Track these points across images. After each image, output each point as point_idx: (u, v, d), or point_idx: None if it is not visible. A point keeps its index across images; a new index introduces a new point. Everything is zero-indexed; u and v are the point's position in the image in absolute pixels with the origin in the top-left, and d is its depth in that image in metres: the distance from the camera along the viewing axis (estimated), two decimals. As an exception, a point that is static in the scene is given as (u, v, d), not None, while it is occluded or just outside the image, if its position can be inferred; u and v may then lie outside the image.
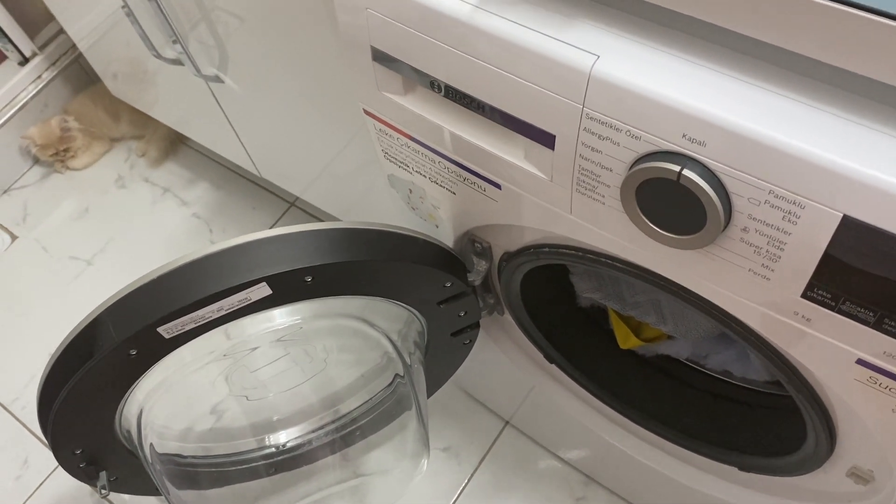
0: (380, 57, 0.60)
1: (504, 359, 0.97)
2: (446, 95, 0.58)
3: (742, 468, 0.79)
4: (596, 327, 0.91)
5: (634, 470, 0.97)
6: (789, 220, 0.46)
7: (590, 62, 0.48)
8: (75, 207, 1.56)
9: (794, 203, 0.45)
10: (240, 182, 1.54)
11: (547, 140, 0.54)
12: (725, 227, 0.49)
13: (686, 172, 0.47)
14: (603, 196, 0.54)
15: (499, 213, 0.67)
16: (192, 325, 0.65)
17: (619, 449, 0.95)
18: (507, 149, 0.59)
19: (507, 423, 1.20)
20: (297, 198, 1.49)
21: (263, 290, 0.66)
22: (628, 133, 0.49)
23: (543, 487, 1.15)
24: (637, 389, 0.89)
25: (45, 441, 1.29)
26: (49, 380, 0.68)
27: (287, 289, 0.67)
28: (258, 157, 1.28)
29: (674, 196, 0.49)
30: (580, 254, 0.65)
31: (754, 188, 0.46)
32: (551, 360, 0.89)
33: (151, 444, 0.74)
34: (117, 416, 0.73)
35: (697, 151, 0.47)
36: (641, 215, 0.52)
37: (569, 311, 0.90)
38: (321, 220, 1.47)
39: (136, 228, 1.51)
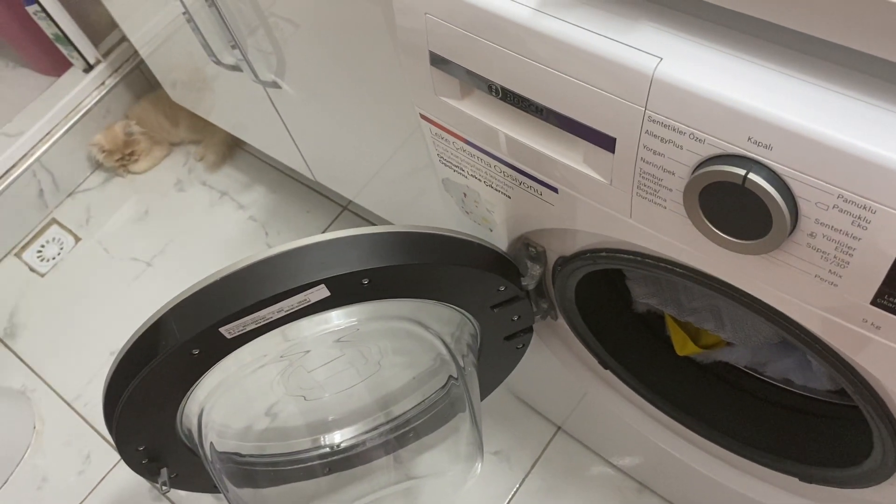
0: (438, 61, 0.61)
1: (557, 363, 0.97)
2: (504, 99, 0.58)
3: (803, 479, 0.77)
4: (652, 333, 0.90)
5: (690, 478, 0.96)
6: (859, 225, 0.45)
7: (653, 65, 0.48)
8: (136, 210, 1.61)
9: (865, 207, 0.44)
10: (294, 186, 1.56)
11: (607, 143, 0.54)
12: (792, 231, 0.48)
13: (752, 176, 0.46)
14: (664, 200, 0.54)
15: (555, 217, 0.67)
16: (253, 326, 0.66)
17: (674, 456, 0.94)
18: (565, 152, 0.59)
19: (558, 428, 1.20)
20: (350, 201, 1.51)
21: (322, 292, 0.67)
22: (692, 136, 0.48)
23: (595, 494, 1.14)
24: (694, 397, 0.87)
25: (108, 437, 1.33)
26: (115, 378, 0.70)
27: (345, 291, 0.68)
28: (313, 162, 1.30)
29: (738, 200, 0.48)
30: (638, 258, 0.65)
31: (822, 192, 0.45)
32: (606, 367, 0.88)
33: (212, 443, 0.75)
34: (179, 415, 0.75)
35: (763, 155, 0.46)
36: (705, 219, 0.52)
37: (624, 317, 0.89)
38: (374, 224, 1.48)
39: (193, 231, 1.55)
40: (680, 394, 0.88)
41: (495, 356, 0.89)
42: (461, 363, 0.82)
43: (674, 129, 0.49)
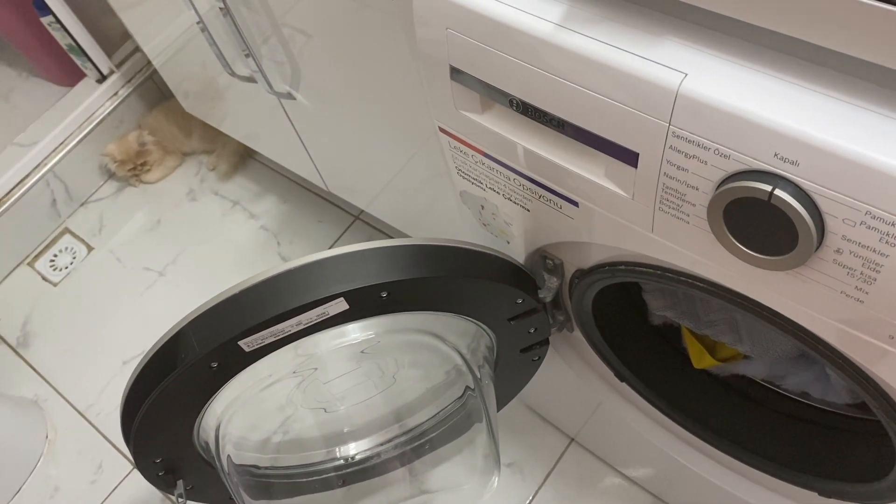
0: (458, 75, 0.61)
1: (572, 375, 0.96)
2: (524, 113, 0.58)
3: (822, 494, 0.77)
4: (668, 346, 0.89)
5: (705, 491, 0.95)
6: (887, 242, 0.45)
7: (677, 80, 0.48)
8: (148, 220, 1.61)
9: (893, 224, 0.44)
10: (306, 195, 1.56)
11: (630, 158, 0.54)
12: (818, 248, 0.48)
13: (778, 192, 0.46)
14: (687, 215, 0.53)
15: (575, 230, 0.66)
16: (272, 339, 0.66)
17: (689, 469, 0.93)
18: (586, 166, 0.58)
19: (572, 440, 1.19)
20: (362, 211, 1.51)
21: (341, 305, 0.67)
22: (717, 152, 0.48)
23: (610, 506, 1.13)
24: (711, 409, 0.87)
25: (120, 447, 1.33)
26: (133, 391, 0.70)
27: (363, 304, 0.68)
28: (326, 172, 1.30)
29: (764, 216, 0.48)
30: (658, 272, 0.64)
31: (850, 209, 0.45)
32: (622, 379, 0.88)
33: (229, 456, 0.75)
34: (196, 427, 0.75)
35: (790, 171, 0.46)
36: (729, 235, 0.51)
37: (641, 329, 0.88)
38: (387, 234, 1.48)
39: (206, 240, 1.55)
40: (696, 406, 0.87)
41: (511, 368, 0.89)
42: (478, 374, 0.82)
43: (698, 145, 0.49)
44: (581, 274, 0.75)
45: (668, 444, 0.94)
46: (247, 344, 0.66)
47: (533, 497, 1.16)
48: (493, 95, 0.60)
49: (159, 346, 0.68)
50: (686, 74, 0.48)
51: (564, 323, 0.87)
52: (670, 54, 0.49)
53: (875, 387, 0.57)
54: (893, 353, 0.51)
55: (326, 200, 1.54)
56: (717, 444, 0.86)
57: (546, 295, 0.80)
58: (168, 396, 0.69)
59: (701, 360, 0.85)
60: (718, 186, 0.50)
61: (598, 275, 0.72)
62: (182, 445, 0.77)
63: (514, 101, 0.58)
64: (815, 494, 0.78)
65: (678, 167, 0.51)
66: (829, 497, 0.76)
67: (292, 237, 1.52)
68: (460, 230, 0.93)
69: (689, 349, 0.86)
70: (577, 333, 0.87)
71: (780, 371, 0.84)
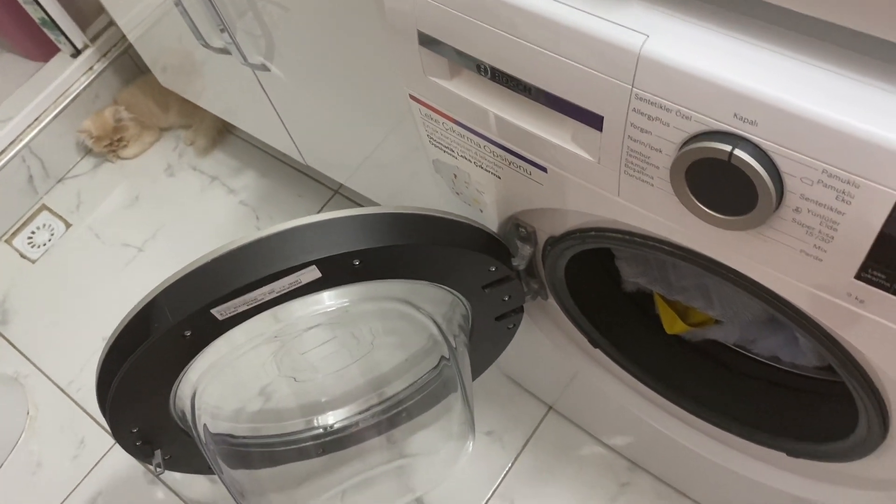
0: (426, 41, 0.61)
1: (548, 343, 0.98)
2: (493, 78, 0.59)
3: (790, 454, 0.78)
4: (641, 312, 0.90)
5: (680, 455, 0.97)
6: (843, 200, 0.45)
7: (639, 42, 0.48)
8: (126, 196, 1.60)
9: (849, 182, 0.44)
10: (285, 170, 1.56)
11: (595, 122, 0.54)
12: (777, 207, 0.49)
13: (737, 152, 0.47)
14: (652, 178, 0.54)
15: (544, 196, 0.67)
16: (245, 308, 0.66)
17: (664, 434, 0.95)
18: (553, 131, 0.59)
19: (550, 408, 1.21)
20: (342, 185, 1.51)
21: (313, 274, 0.67)
22: (678, 113, 0.49)
23: (587, 472, 1.15)
24: (683, 374, 0.88)
25: (102, 422, 1.33)
26: (107, 360, 0.71)
27: (336, 272, 0.68)
28: (303, 145, 1.30)
29: (725, 177, 0.49)
30: (626, 237, 0.65)
31: (807, 168, 0.45)
32: (596, 345, 0.89)
33: (205, 425, 0.76)
34: (172, 397, 0.75)
35: (749, 131, 0.46)
36: (691, 196, 0.52)
37: (614, 296, 0.89)
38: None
39: (184, 216, 1.55)
40: (669, 372, 0.89)
41: (486, 336, 0.90)
42: (453, 343, 0.82)
43: (660, 107, 0.49)
44: (553, 241, 0.76)
45: (643, 410, 0.96)
46: (219, 312, 0.66)
47: (512, 464, 1.18)
48: (461, 61, 0.60)
49: (132, 315, 0.68)
50: (647, 36, 0.48)
51: (539, 291, 0.88)
52: (633, 16, 0.49)
53: (837, 345, 0.58)
54: (852, 312, 0.52)
55: (306, 175, 1.54)
56: (690, 408, 0.87)
57: (519, 263, 0.80)
58: (142, 365, 0.69)
59: (673, 325, 0.86)
60: (681, 148, 0.50)
61: (569, 241, 0.73)
62: (158, 415, 0.77)
63: (482, 66, 0.58)
64: (784, 455, 0.79)
65: (641, 129, 0.52)
66: (798, 457, 0.78)
67: (272, 212, 1.51)
68: (438, 203, 0.94)
69: (661, 315, 0.87)
70: (552, 301, 0.88)
71: (750, 335, 0.86)
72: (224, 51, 1.12)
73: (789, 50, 0.46)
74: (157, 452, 0.82)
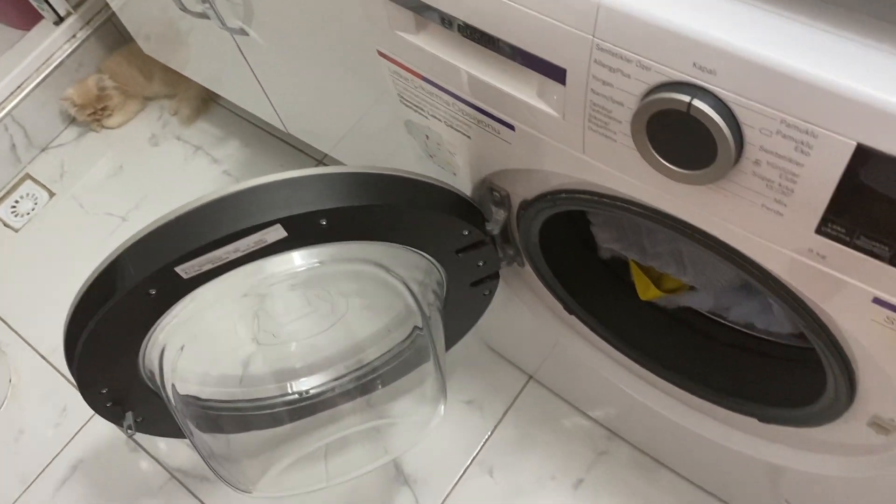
0: (392, -5, 0.60)
1: (525, 311, 0.97)
2: (459, 32, 0.58)
3: (761, 419, 0.79)
4: (617, 279, 0.90)
5: (656, 424, 0.97)
6: (801, 151, 0.45)
7: (599, -10, 0.47)
8: (110, 165, 1.59)
9: (807, 132, 0.44)
10: (269, 140, 1.55)
11: (558, 75, 0.53)
12: (737, 160, 0.48)
13: (696, 103, 0.46)
14: (615, 133, 0.53)
15: (513, 156, 0.66)
16: (210, 266, 0.66)
17: (640, 402, 0.95)
18: (519, 87, 0.58)
19: (530, 377, 1.21)
20: (326, 155, 1.50)
21: (279, 233, 0.66)
22: (638, 64, 0.48)
23: (566, 441, 1.15)
24: (658, 342, 0.88)
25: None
26: (73, 319, 0.70)
27: (302, 231, 0.67)
28: (285, 114, 1.28)
29: (685, 129, 0.48)
30: (595, 198, 0.65)
31: (766, 118, 0.45)
32: (571, 312, 0.89)
33: (173, 385, 0.76)
34: (141, 357, 0.75)
35: (708, 81, 0.46)
36: (652, 151, 0.51)
37: (589, 264, 0.89)
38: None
39: (168, 185, 1.54)
40: (644, 339, 0.88)
41: (462, 303, 0.90)
42: (426, 311, 0.82)
43: (621, 58, 0.49)
44: (526, 205, 0.75)
45: (619, 378, 0.95)
46: (184, 270, 0.65)
47: (491, 432, 1.18)
48: (425, 13, 0.59)
49: (97, 273, 0.67)
50: (608, -16, 0.47)
51: (514, 257, 0.87)
52: (594, -36, 0.48)
53: (803, 306, 0.58)
54: (814, 268, 0.52)
55: (290, 145, 1.53)
56: (663, 375, 0.87)
57: (494, 227, 0.80)
58: (108, 324, 0.69)
59: (646, 291, 0.85)
60: (641, 100, 0.50)
61: (541, 204, 0.72)
62: (128, 375, 0.77)
63: (446, 19, 0.57)
64: (756, 420, 0.79)
65: (603, 82, 0.51)
66: (768, 423, 0.78)
67: (256, 182, 1.50)
68: (418, 170, 0.93)
69: (635, 281, 0.87)
70: (528, 268, 0.88)
71: (725, 303, 0.85)
72: (203, 15, 1.10)
73: (750, -2, 0.45)
74: (129, 414, 0.82)
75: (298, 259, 0.74)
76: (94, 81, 1.58)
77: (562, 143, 0.59)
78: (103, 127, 1.63)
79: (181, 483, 1.23)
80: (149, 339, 0.73)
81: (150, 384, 0.79)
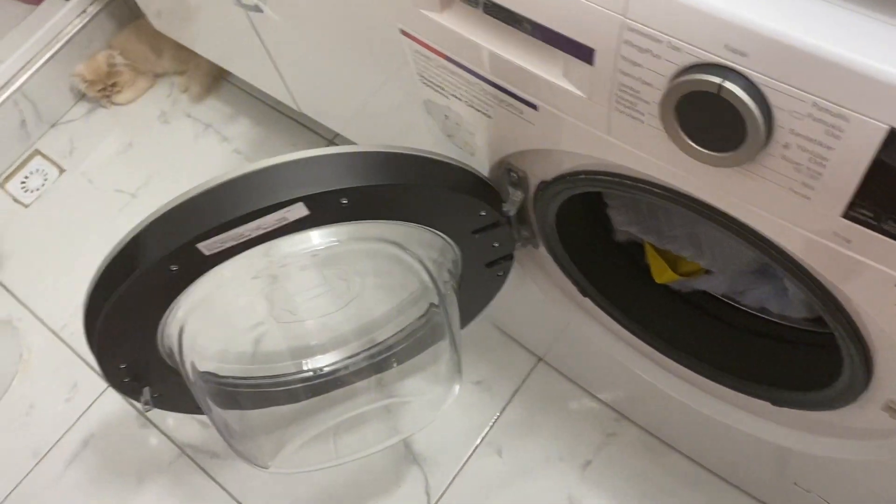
0: (417, -28, 0.60)
1: (538, 293, 0.98)
2: (484, 10, 0.57)
3: (774, 402, 0.79)
4: (631, 262, 0.90)
5: (667, 406, 0.98)
6: (832, 135, 0.45)
7: (631, -30, 0.47)
8: (120, 142, 1.59)
9: (839, 116, 0.44)
10: (280, 119, 1.54)
11: (586, 55, 0.53)
12: (766, 143, 0.48)
13: (727, 85, 0.46)
14: (642, 114, 0.53)
15: (535, 136, 0.66)
16: (232, 243, 0.66)
17: (651, 384, 0.95)
18: (545, 66, 0.58)
19: (539, 359, 1.21)
20: (337, 135, 1.50)
21: (300, 211, 0.66)
22: (669, 44, 0.48)
23: (575, 422, 1.16)
24: (672, 324, 0.88)
25: (94, 366, 1.34)
26: (94, 294, 0.71)
27: (323, 210, 0.67)
28: (298, 92, 1.28)
29: (714, 111, 0.48)
30: (616, 179, 0.65)
31: (797, 101, 0.45)
32: (585, 294, 0.89)
33: (192, 363, 0.76)
34: (159, 333, 0.75)
35: (739, 62, 0.46)
36: (680, 132, 0.51)
37: (605, 246, 0.89)
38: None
39: (178, 163, 1.54)
40: (658, 322, 0.89)
41: (476, 283, 0.90)
42: (442, 289, 0.82)
43: (651, 38, 0.49)
44: (544, 186, 0.75)
45: (631, 360, 0.96)
46: (206, 247, 0.66)
47: (500, 413, 1.19)
48: (452, -7, 0.58)
49: (119, 248, 0.68)
50: (641, -36, 0.47)
51: (529, 239, 0.87)
52: (626, -56, 0.48)
53: (823, 289, 0.58)
54: (839, 252, 0.52)
55: (301, 124, 1.53)
56: (677, 358, 0.87)
57: (510, 208, 0.80)
58: (128, 300, 0.69)
59: (662, 274, 0.86)
60: (671, 82, 0.49)
61: (560, 185, 0.72)
62: (146, 351, 0.77)
63: (472, -2, 0.57)
64: (768, 404, 0.80)
65: (632, 62, 0.51)
66: (781, 406, 0.78)
67: (266, 161, 1.50)
68: (433, 150, 0.93)
69: (650, 264, 0.87)
70: (543, 251, 0.88)
71: (739, 286, 0.86)
72: (217, -9, 1.10)
73: (784, -20, 0.45)
74: (146, 390, 0.82)
75: (316, 238, 0.74)
76: (105, 57, 1.57)
77: (586, 123, 0.59)
78: (113, 103, 1.62)
79: (191, 459, 1.24)
80: (168, 315, 0.73)
81: (167, 360, 0.80)
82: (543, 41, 0.55)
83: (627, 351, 0.96)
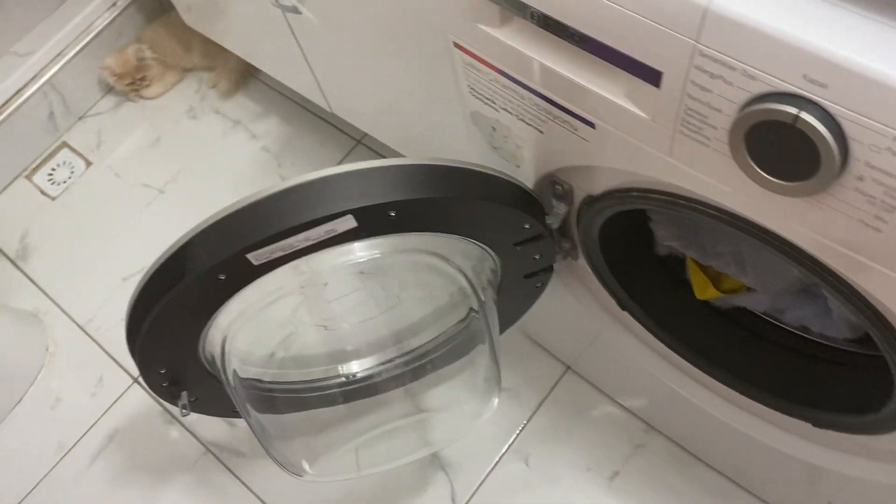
0: (478, -13, 0.59)
1: (573, 303, 0.97)
2: (546, 27, 0.57)
3: (816, 424, 0.78)
4: (671, 275, 0.89)
5: (700, 420, 0.97)
6: (912, 169, 0.44)
7: (708, -5, 0.46)
8: (147, 136, 1.59)
9: (920, 151, 0.43)
10: (308, 117, 1.54)
11: (653, 77, 0.52)
12: (840, 174, 0.47)
13: (803, 116, 0.45)
14: (708, 138, 0.53)
15: (590, 153, 0.65)
16: (280, 254, 0.66)
17: (685, 398, 0.95)
18: (606, 86, 0.57)
19: (568, 367, 1.21)
20: (365, 135, 1.49)
21: (349, 223, 0.66)
22: (743, 72, 0.47)
23: (602, 432, 1.16)
24: (711, 340, 0.88)
25: (121, 361, 1.34)
26: (139, 299, 0.70)
27: (371, 222, 0.67)
28: (331, 92, 1.27)
29: (787, 140, 0.47)
30: (671, 199, 0.64)
31: (877, 134, 0.44)
32: (624, 308, 0.88)
33: (234, 370, 0.76)
34: (202, 340, 0.75)
35: (818, 94, 0.45)
36: (749, 159, 0.51)
37: (645, 259, 0.88)
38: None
39: (206, 159, 1.53)
40: (696, 337, 0.88)
41: (514, 294, 0.90)
42: (482, 297, 0.82)
43: (725, 65, 0.48)
44: (591, 200, 0.75)
45: (665, 373, 0.95)
46: (255, 257, 0.65)
47: (527, 422, 1.18)
48: (512, 7, 0.58)
49: (167, 255, 0.67)
50: (717, -11, 0.46)
51: (569, 251, 0.87)
52: (702, -32, 0.47)
53: (881, 318, 0.57)
54: (904, 284, 0.51)
55: (329, 123, 1.52)
56: (714, 374, 0.87)
57: (553, 221, 0.79)
58: (174, 306, 0.69)
59: (704, 291, 0.85)
60: (742, 109, 0.49)
61: (608, 201, 0.72)
62: (187, 357, 0.77)
63: (535, 14, 0.56)
64: (809, 425, 0.79)
65: (702, 88, 0.50)
66: (824, 427, 0.78)
67: (294, 159, 1.50)
68: (469, 155, 0.92)
69: (692, 280, 0.86)
70: (581, 261, 0.87)
71: (781, 305, 0.85)
72: (255, -9, 1.09)
73: (866, 10, 0.44)
74: (184, 394, 0.82)
75: (359, 248, 0.74)
76: (133, 51, 1.57)
77: (647, 144, 0.58)
78: (141, 97, 1.62)
79: (216, 457, 1.25)
80: (211, 323, 0.73)
81: (208, 367, 0.80)
82: (607, 61, 0.55)
83: (661, 363, 0.95)
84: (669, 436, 1.13)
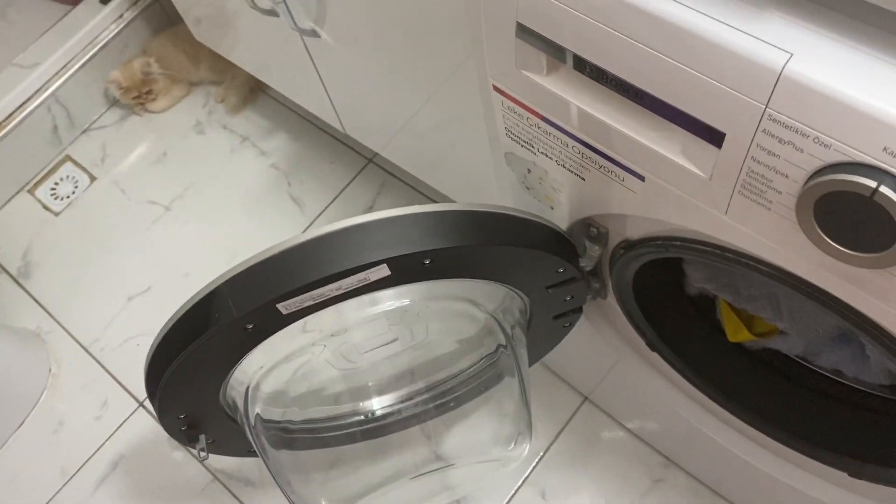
0: (525, 33, 0.57)
1: (598, 341, 0.95)
2: (598, 79, 0.54)
3: (853, 474, 0.76)
4: (702, 317, 0.87)
5: (723, 458, 0.95)
6: None
7: (782, 60, 0.44)
8: (153, 151, 1.56)
9: None
10: (318, 135, 1.51)
11: (714, 138, 0.50)
12: (916, 248, 0.45)
13: (883, 189, 0.43)
14: (770, 202, 0.50)
15: (635, 204, 0.63)
16: (311, 303, 0.63)
17: (709, 437, 0.93)
18: (661, 141, 0.55)
19: (585, 398, 1.19)
20: (376, 154, 1.47)
21: (383, 272, 0.64)
22: (816, 140, 0.45)
23: (620, 466, 1.14)
24: (742, 382, 0.86)
25: (126, 384, 1.31)
26: (161, 348, 0.68)
27: (405, 271, 0.65)
28: (344, 113, 1.25)
29: (860, 212, 0.45)
30: (717, 251, 0.62)
31: (960, 211, 0.42)
32: (653, 348, 0.86)
33: (258, 414, 0.73)
34: (223, 386, 0.73)
35: (898, 167, 0.43)
36: (817, 227, 0.48)
37: (676, 299, 0.86)
38: (399, 178, 1.44)
39: (214, 176, 1.50)
40: (727, 379, 0.86)
41: (541, 333, 0.87)
42: (510, 334, 0.80)
43: (796, 131, 0.46)
44: (628, 245, 0.72)
45: (690, 412, 0.93)
46: (285, 307, 0.63)
47: (544, 453, 1.16)
48: (562, 58, 0.55)
49: (192, 304, 0.65)
50: (792, 54, 0.44)
51: (599, 291, 0.85)
52: (774, 31, 0.45)
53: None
54: (973, 357, 0.49)
55: (339, 141, 1.50)
56: (745, 418, 0.85)
57: (587, 264, 0.77)
58: (198, 356, 0.66)
59: (737, 333, 0.83)
60: (812, 176, 0.47)
61: (647, 248, 0.70)
62: (207, 402, 0.75)
63: (588, 66, 0.54)
64: (845, 474, 0.77)
65: (769, 152, 0.48)
66: (861, 478, 0.76)
67: (303, 178, 1.47)
68: (488, 182, 0.90)
69: (724, 322, 0.84)
70: (611, 301, 0.85)
71: (815, 348, 0.83)
72: (272, 13, 1.07)
73: (950, 80, 0.42)
74: (202, 437, 0.80)
75: (389, 296, 0.71)
76: (140, 64, 1.53)
77: (700, 201, 0.56)
78: (147, 111, 1.59)
79: (224, 486, 1.22)
80: (235, 369, 0.71)
81: (228, 410, 0.77)
82: (664, 117, 0.53)
83: (687, 402, 0.93)
84: (690, 471, 1.11)
